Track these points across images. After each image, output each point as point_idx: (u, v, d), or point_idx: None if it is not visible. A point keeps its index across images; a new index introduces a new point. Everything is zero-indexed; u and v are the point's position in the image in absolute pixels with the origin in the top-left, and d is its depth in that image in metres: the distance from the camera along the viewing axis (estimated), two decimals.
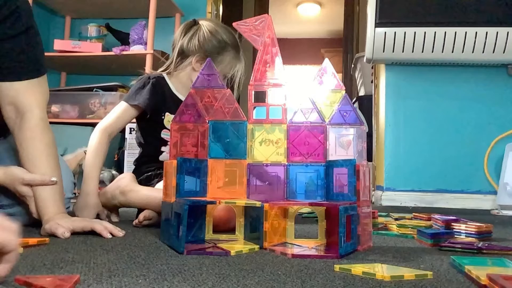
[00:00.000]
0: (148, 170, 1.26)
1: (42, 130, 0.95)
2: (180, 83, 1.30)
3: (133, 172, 1.30)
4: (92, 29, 2.58)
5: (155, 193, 1.10)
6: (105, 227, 0.91)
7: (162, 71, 1.32)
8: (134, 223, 1.10)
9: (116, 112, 1.23)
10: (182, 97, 1.26)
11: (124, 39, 2.50)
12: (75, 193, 1.24)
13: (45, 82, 1.00)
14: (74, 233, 0.92)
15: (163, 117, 1.26)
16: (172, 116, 1.24)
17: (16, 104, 0.95)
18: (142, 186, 1.19)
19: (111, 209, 1.20)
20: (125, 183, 1.17)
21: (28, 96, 0.95)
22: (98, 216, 1.15)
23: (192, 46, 1.27)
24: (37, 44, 0.99)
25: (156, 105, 1.24)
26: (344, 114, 0.92)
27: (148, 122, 1.27)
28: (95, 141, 1.18)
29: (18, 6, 0.92)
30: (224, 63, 1.28)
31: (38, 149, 0.94)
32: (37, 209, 0.94)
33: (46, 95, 1.00)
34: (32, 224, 1.04)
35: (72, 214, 1.19)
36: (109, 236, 0.90)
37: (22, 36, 0.94)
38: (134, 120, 1.28)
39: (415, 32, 2.01)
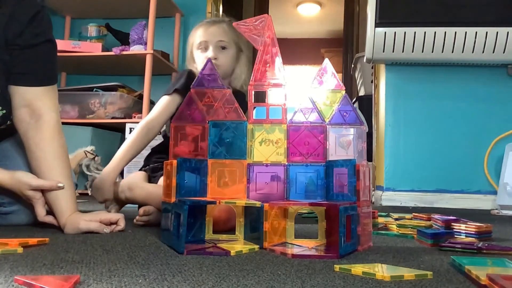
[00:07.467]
0: (156, 160, 1.29)
1: (59, 132, 1.01)
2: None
3: (145, 159, 1.34)
4: (92, 29, 2.58)
5: (157, 189, 1.13)
6: (100, 225, 0.95)
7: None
8: (134, 220, 1.11)
9: (156, 107, 1.27)
10: None
11: (124, 39, 2.50)
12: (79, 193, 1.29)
13: (56, 90, 1.06)
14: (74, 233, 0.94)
15: None
16: None
17: (32, 106, 0.99)
18: (149, 183, 1.23)
19: (119, 202, 1.24)
20: (135, 180, 1.22)
21: (45, 100, 1.01)
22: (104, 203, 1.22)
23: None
24: (54, 56, 1.06)
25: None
26: (344, 114, 0.92)
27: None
28: (133, 134, 1.23)
29: (43, 20, 1.01)
30: None
31: (56, 149, 0.99)
32: (52, 209, 0.97)
33: (57, 101, 1.06)
34: (32, 223, 1.05)
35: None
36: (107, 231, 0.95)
37: (42, 47, 1.01)
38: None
39: (415, 32, 2.01)
